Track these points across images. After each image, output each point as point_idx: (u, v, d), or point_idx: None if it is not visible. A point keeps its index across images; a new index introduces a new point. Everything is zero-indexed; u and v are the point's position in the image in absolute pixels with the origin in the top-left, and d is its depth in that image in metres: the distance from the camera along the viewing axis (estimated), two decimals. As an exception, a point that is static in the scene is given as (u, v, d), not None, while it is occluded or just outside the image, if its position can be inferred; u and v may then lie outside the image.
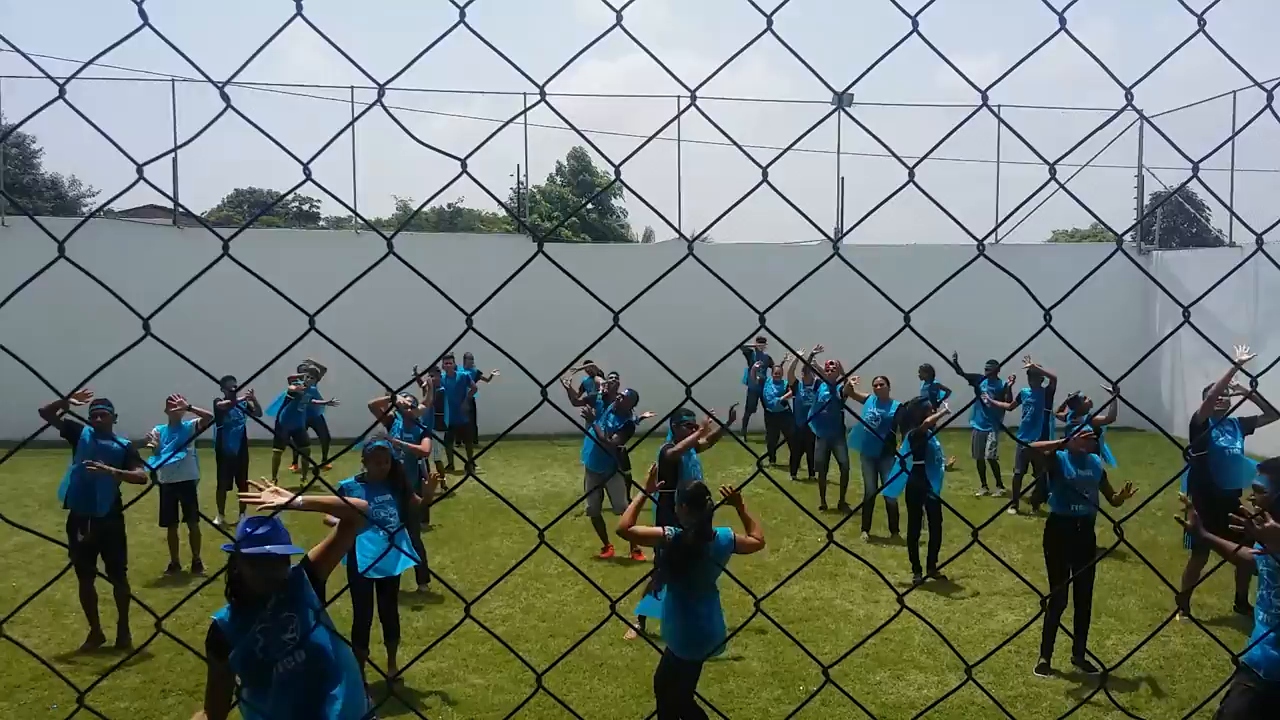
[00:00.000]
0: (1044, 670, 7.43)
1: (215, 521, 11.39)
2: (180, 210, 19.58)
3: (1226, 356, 2.24)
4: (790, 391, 15.19)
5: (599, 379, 13.66)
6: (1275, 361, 2.18)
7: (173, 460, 9.67)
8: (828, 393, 13.69)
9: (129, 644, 7.93)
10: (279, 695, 3.80)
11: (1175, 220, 30.99)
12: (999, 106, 19.55)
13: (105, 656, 7.76)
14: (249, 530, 3.85)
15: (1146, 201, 22.70)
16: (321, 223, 44.78)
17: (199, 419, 10.23)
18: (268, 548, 3.81)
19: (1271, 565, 4.72)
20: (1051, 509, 7.60)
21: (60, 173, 42.23)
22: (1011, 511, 12.67)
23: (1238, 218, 2.09)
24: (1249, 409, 8.70)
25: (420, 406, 11.82)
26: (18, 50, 1.73)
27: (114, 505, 8.05)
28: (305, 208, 45.61)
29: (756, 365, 17.74)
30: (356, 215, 7.12)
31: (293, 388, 14.26)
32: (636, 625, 8.01)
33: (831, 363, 13.62)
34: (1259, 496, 5.37)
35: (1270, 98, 1.70)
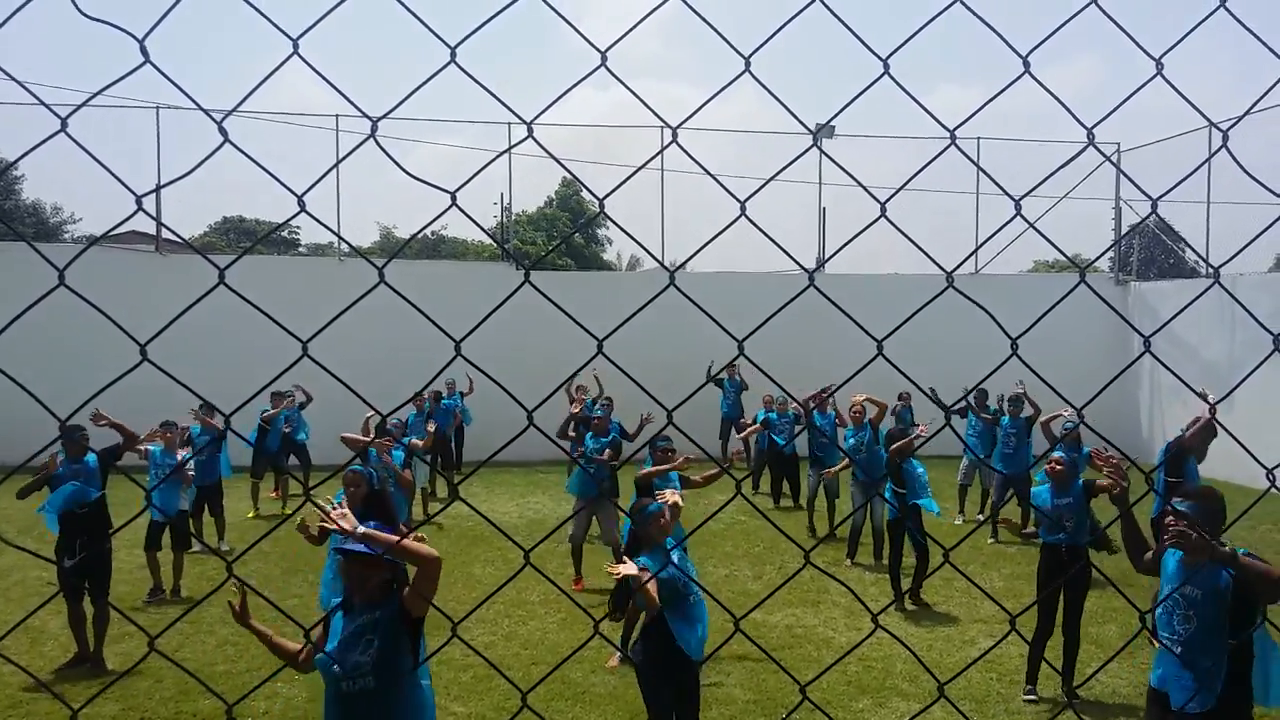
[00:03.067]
0: (1030, 695, 7.45)
1: (196, 548, 11.34)
2: (177, 240, 19.58)
3: (1191, 389, 2.31)
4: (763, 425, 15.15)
5: (595, 397, 13.72)
6: (1240, 383, 2.24)
7: (163, 484, 9.61)
8: (804, 422, 13.71)
9: (105, 670, 7.90)
10: (340, 712, 3.89)
11: (1153, 251, 31.32)
12: (978, 139, 19.86)
13: (83, 683, 7.69)
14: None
15: (1120, 236, 23.01)
16: (302, 249, 44.80)
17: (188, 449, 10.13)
18: (350, 545, 3.88)
19: (1184, 590, 4.71)
20: (1040, 536, 7.68)
21: (41, 199, 42.11)
22: (991, 540, 12.74)
23: (1198, 254, 2.16)
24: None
25: (417, 442, 11.80)
26: (15, 80, 1.77)
27: (101, 526, 8.05)
28: (285, 234, 45.61)
29: (733, 398, 17.93)
30: (348, 244, 7.14)
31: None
32: (619, 650, 8.00)
33: (819, 394, 13.67)
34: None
35: (1225, 138, 1.77)
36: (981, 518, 13.94)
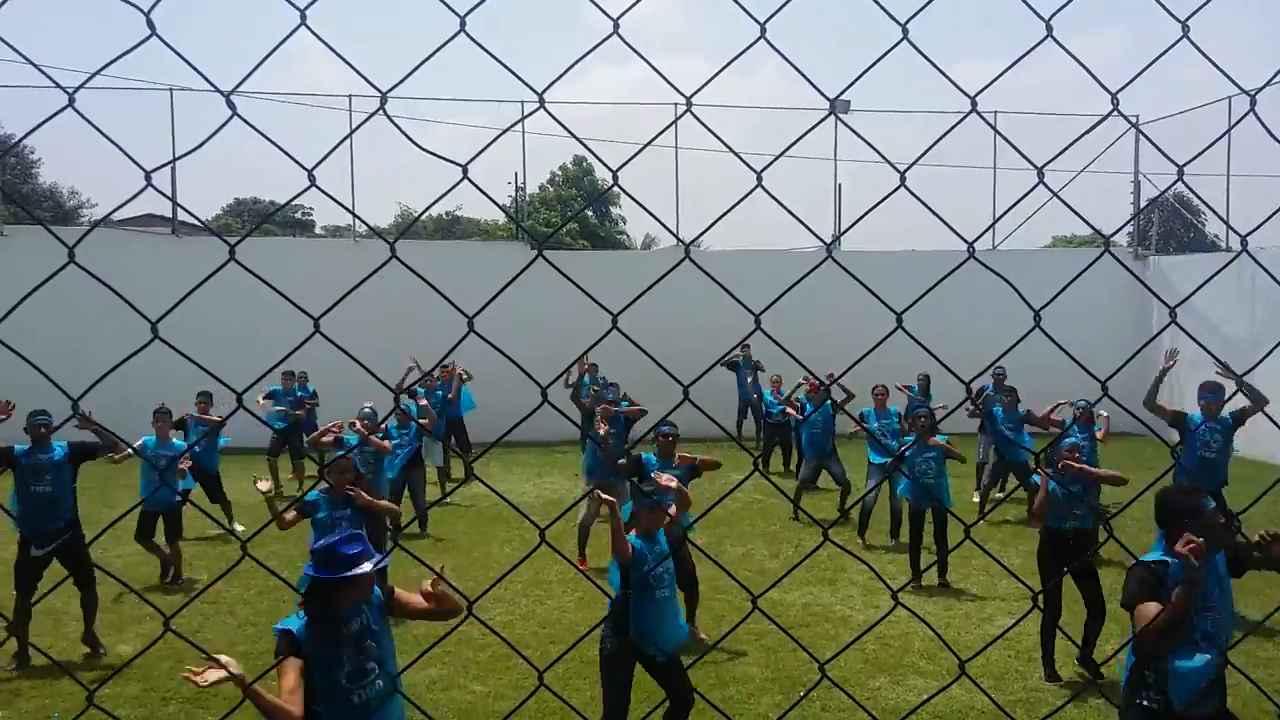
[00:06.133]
0: (1052, 679, 7.41)
1: (214, 531, 11.38)
2: (193, 221, 19.63)
3: (1216, 359, 2.27)
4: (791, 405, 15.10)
5: (594, 385, 13.68)
6: (1264, 357, 2.21)
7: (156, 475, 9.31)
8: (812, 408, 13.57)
9: (101, 652, 7.88)
10: (359, 717, 3.93)
11: (1172, 225, 31.05)
12: (994, 113, 19.66)
13: (105, 665, 7.76)
14: (345, 551, 3.93)
15: (1143, 207, 22.81)
16: (319, 230, 44.91)
17: (206, 428, 10.06)
18: (363, 568, 3.90)
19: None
20: (1045, 522, 7.57)
21: (59, 182, 42.33)
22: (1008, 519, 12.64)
23: (1224, 221, 2.12)
24: (1238, 400, 8.90)
25: (425, 421, 11.88)
26: (25, 59, 1.76)
27: (72, 519, 7.83)
28: (300, 215, 45.73)
29: (750, 377, 17.78)
30: (359, 219, 7.14)
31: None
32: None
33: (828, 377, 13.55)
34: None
35: (1254, 102, 1.72)
36: (1001, 495, 13.78)
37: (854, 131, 1.83)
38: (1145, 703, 4.39)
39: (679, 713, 5.68)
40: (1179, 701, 4.23)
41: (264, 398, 14.37)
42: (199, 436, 11.34)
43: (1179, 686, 4.23)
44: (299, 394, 15.03)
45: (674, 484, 6.24)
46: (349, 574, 3.88)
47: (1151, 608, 4.14)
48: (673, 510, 6.18)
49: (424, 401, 12.85)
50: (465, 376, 16.01)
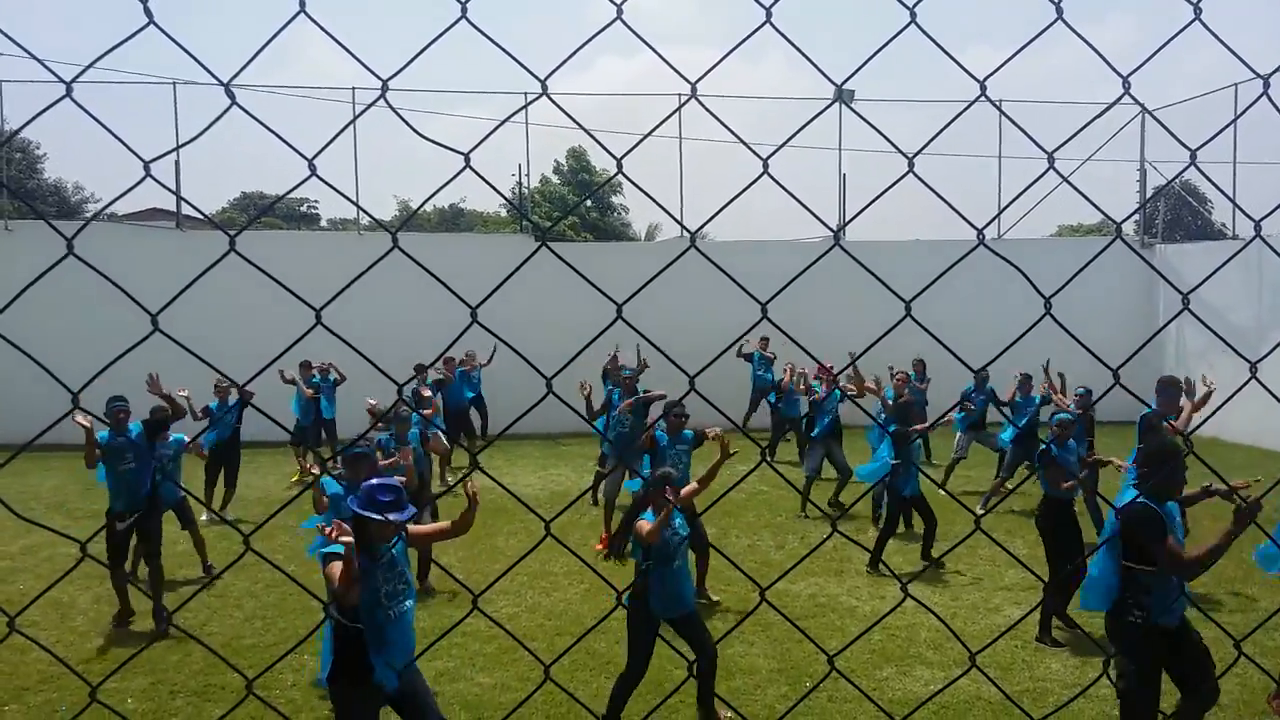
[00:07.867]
0: (1041, 640, 7.90)
1: (204, 517, 11.42)
2: (189, 208, 19.65)
3: (1230, 346, 2.25)
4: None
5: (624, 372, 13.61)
6: (1275, 348, 2.19)
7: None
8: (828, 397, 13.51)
9: (168, 624, 8.15)
10: (394, 628, 4.76)
11: (1179, 213, 30.94)
12: (1001, 100, 19.57)
13: (113, 659, 7.78)
14: (379, 498, 4.74)
15: (1151, 194, 22.74)
16: (324, 224, 44.92)
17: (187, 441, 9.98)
18: (391, 516, 4.70)
19: None
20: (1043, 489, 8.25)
21: (63, 178, 42.41)
22: (982, 511, 12.46)
23: (1237, 206, 2.10)
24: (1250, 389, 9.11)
25: (428, 411, 11.92)
26: (26, 51, 1.74)
27: (150, 495, 8.50)
28: (304, 209, 45.75)
29: (762, 370, 17.75)
30: (361, 209, 7.11)
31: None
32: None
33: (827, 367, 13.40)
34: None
35: (1267, 85, 1.70)
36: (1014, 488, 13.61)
37: (861, 116, 1.81)
38: (1132, 619, 5.08)
39: (705, 666, 6.25)
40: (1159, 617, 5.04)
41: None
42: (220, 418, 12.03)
43: (1160, 604, 5.01)
44: (316, 383, 15.03)
45: (691, 487, 6.96)
46: (378, 517, 4.65)
47: (1176, 547, 4.94)
48: (685, 491, 6.68)
49: (426, 393, 12.87)
50: (485, 362, 16.13)
